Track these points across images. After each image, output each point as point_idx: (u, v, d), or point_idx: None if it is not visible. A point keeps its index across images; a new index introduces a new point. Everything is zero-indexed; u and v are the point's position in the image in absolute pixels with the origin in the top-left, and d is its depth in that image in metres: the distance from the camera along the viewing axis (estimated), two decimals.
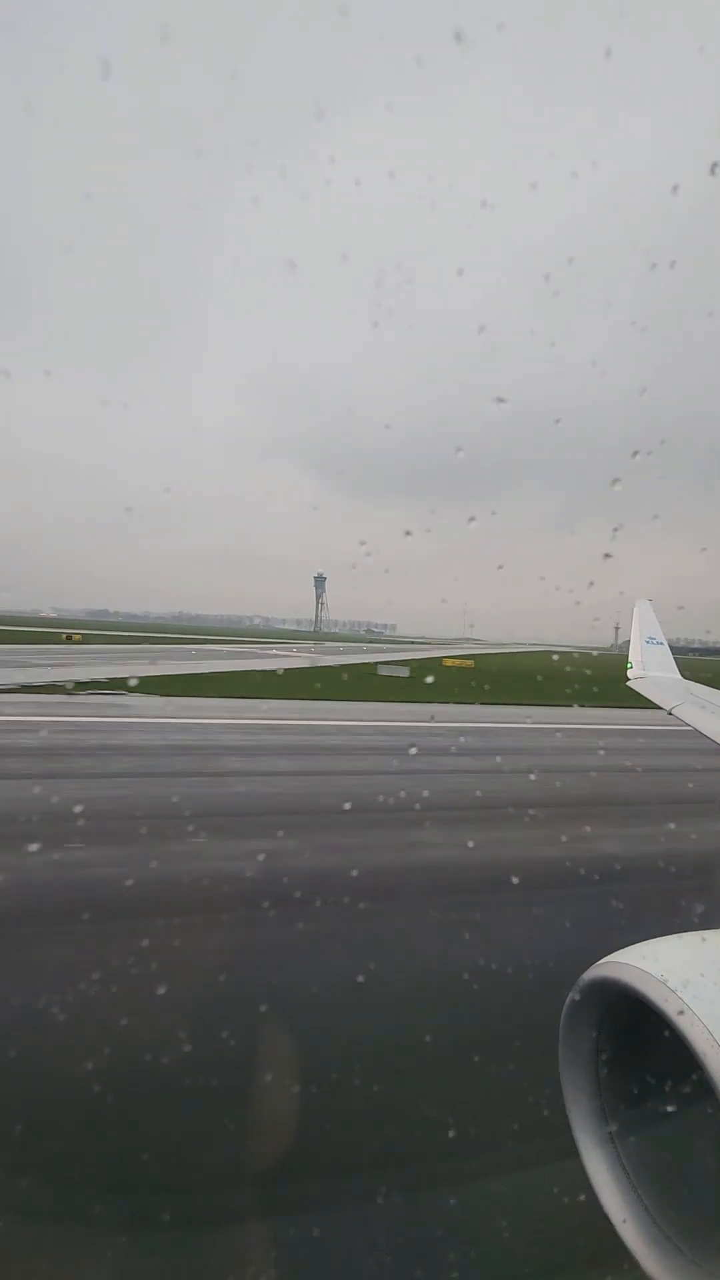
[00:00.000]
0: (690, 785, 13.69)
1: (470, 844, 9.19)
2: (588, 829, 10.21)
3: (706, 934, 1.84)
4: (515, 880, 7.74)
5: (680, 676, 6.67)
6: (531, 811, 10.75)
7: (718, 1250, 1.51)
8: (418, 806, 11.08)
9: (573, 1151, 1.74)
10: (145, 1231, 3.30)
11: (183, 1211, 3.35)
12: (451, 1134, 3.87)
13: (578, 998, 1.75)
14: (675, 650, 7.05)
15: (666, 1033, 1.48)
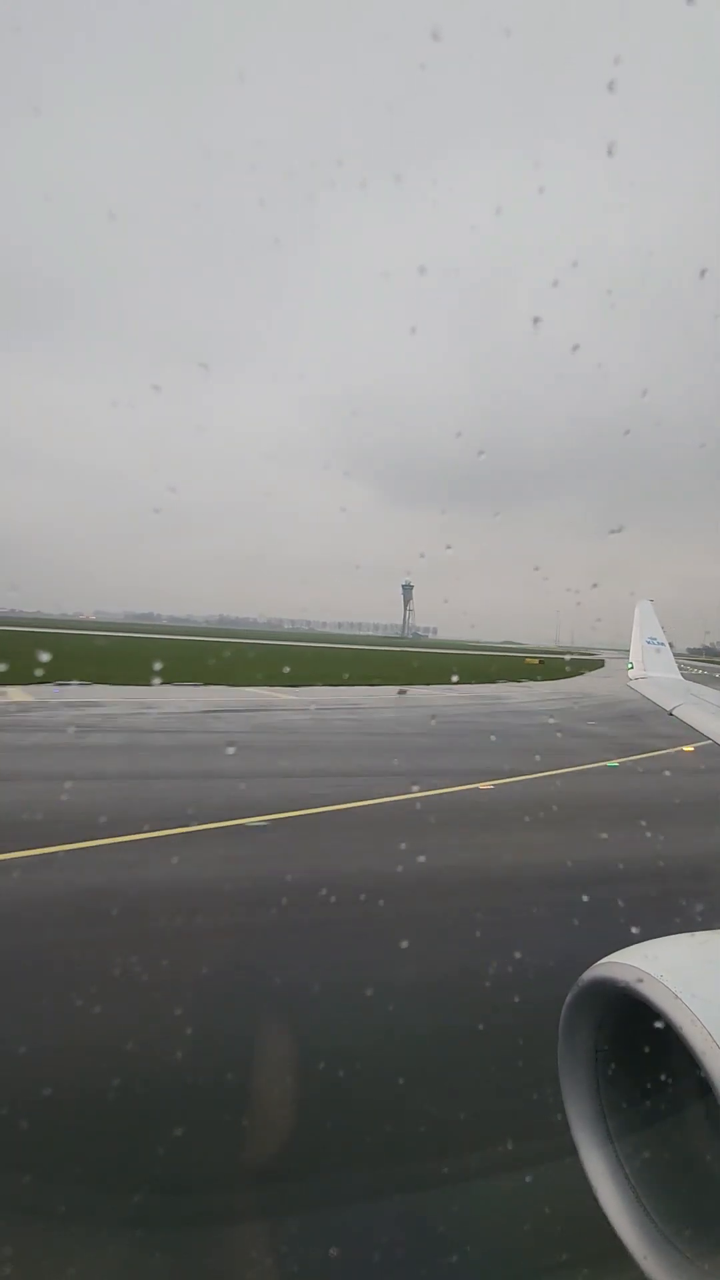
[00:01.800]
0: None
1: None
2: None
3: (707, 934, 1.84)
4: None
5: (681, 677, 6.67)
6: None
7: (716, 1250, 1.51)
8: None
9: (571, 1150, 1.75)
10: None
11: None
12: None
13: (577, 997, 1.75)
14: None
15: (666, 1033, 1.48)
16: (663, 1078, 1.67)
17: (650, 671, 6.78)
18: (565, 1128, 1.76)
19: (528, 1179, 3.52)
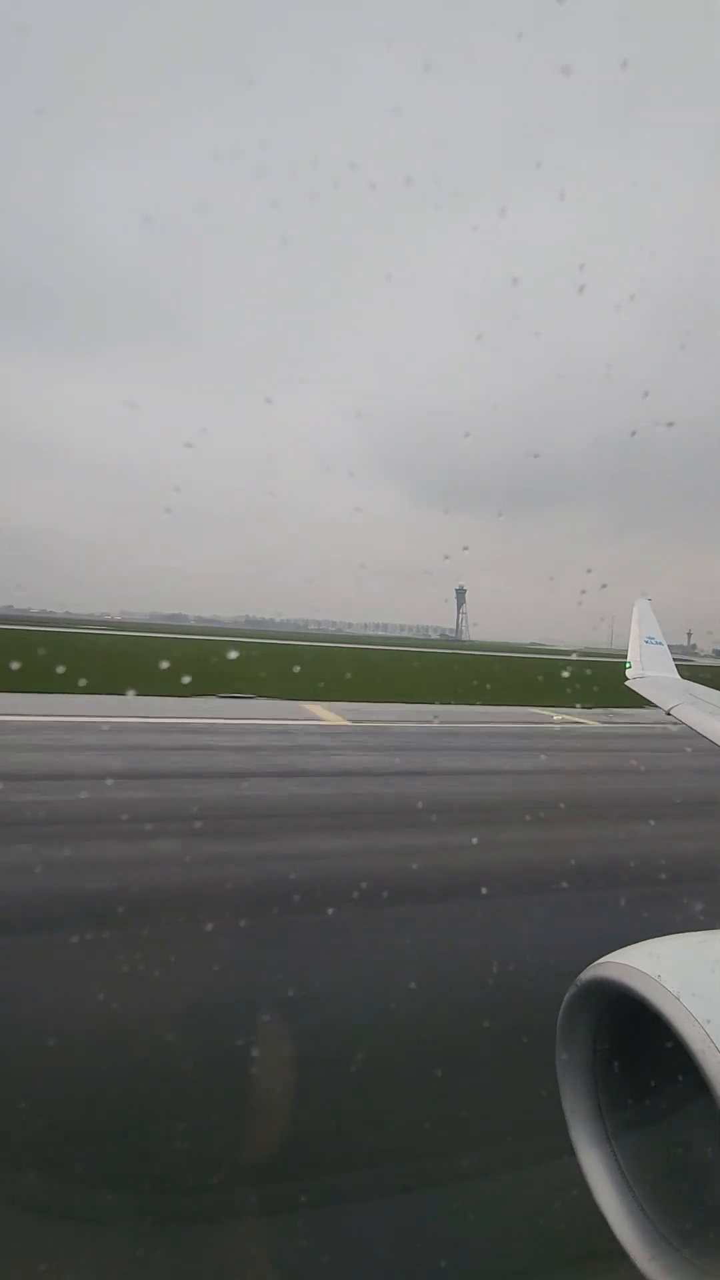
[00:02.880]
0: None
1: None
2: None
3: (705, 934, 1.84)
4: None
5: (679, 676, 6.68)
6: None
7: (713, 1249, 1.51)
8: None
9: (569, 1150, 1.75)
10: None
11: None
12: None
13: (575, 997, 1.75)
14: None
15: (664, 1033, 1.48)
16: (661, 1077, 1.67)
17: (648, 671, 6.79)
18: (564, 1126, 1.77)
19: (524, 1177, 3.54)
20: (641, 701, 5.96)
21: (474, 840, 9.18)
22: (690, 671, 7.03)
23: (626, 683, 6.76)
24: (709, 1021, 1.44)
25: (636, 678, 6.70)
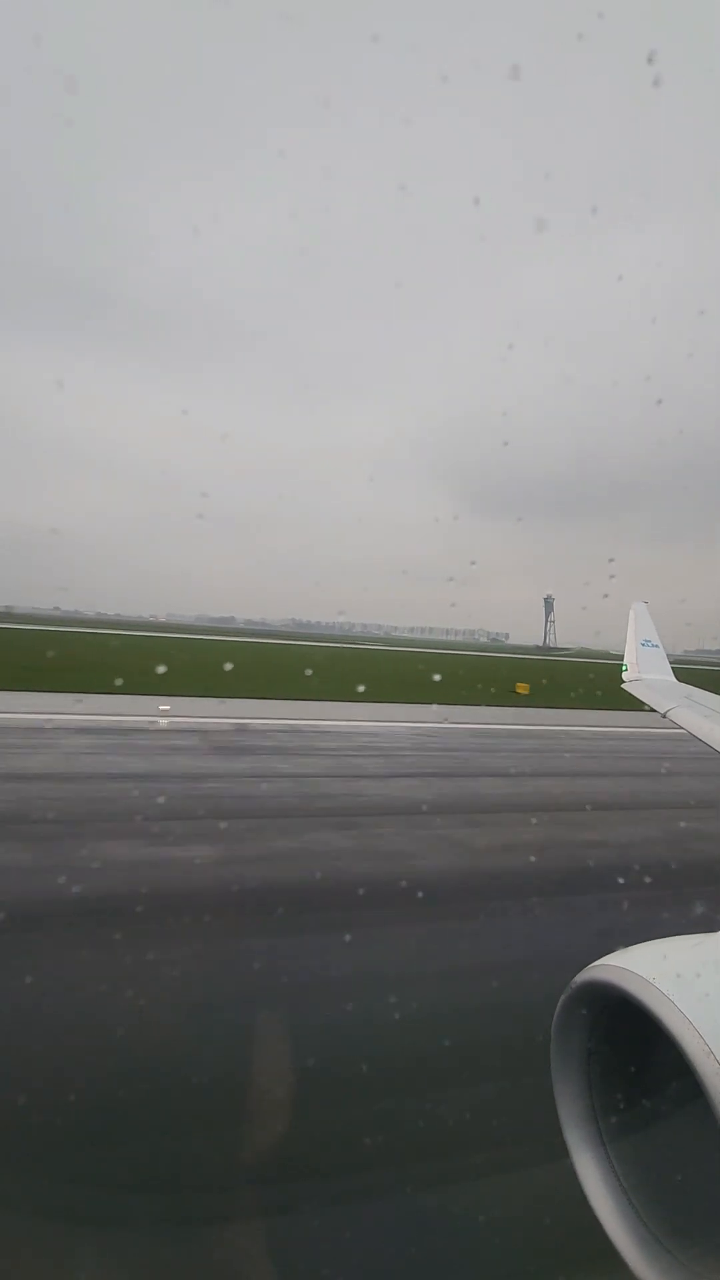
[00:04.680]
0: None
1: None
2: None
3: (698, 937, 1.84)
4: None
5: (675, 679, 6.67)
6: None
7: (707, 1252, 1.51)
8: None
9: (564, 1153, 1.75)
10: None
11: None
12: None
13: (570, 1000, 1.75)
14: None
15: (658, 1035, 1.48)
16: (655, 1080, 1.67)
17: (645, 674, 6.78)
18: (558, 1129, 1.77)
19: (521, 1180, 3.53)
20: None
21: None
22: None
23: (622, 685, 6.76)
24: (704, 1025, 1.44)
25: (633, 680, 6.70)
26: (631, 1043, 1.67)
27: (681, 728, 4.93)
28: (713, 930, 1.90)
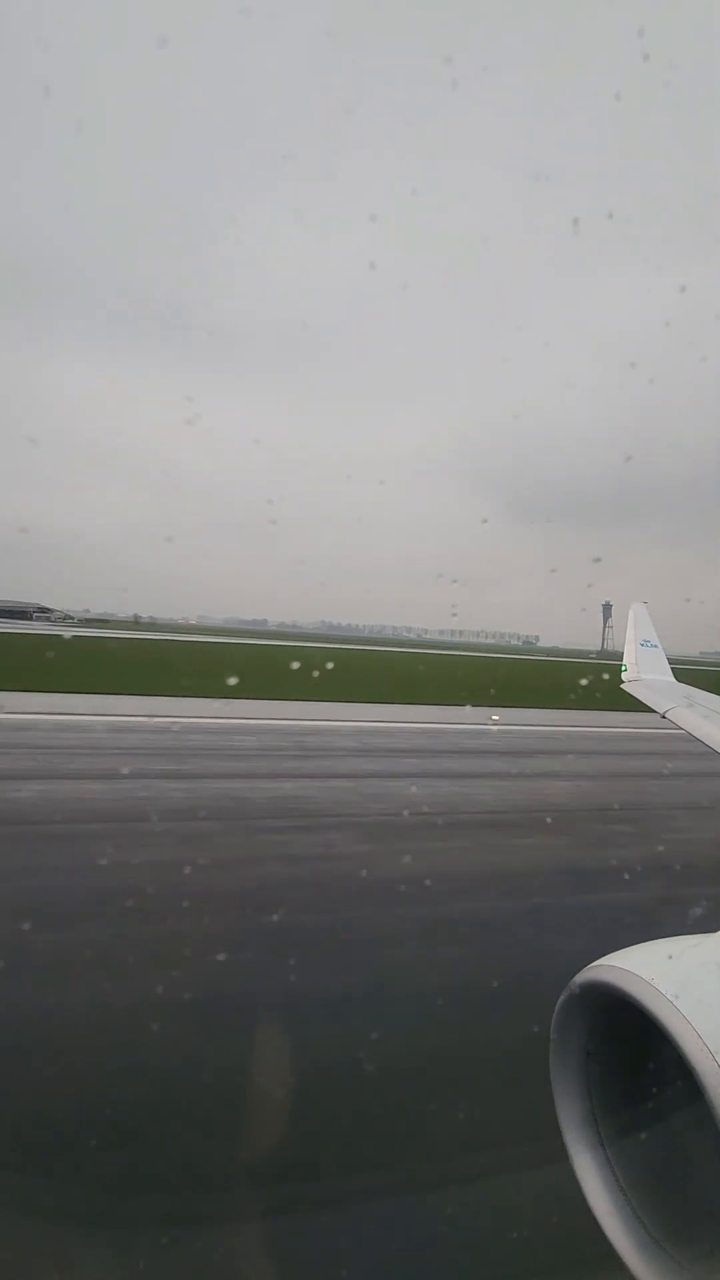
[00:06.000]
0: None
1: None
2: None
3: (697, 938, 1.84)
4: None
5: (674, 680, 6.68)
6: None
7: (705, 1253, 1.51)
8: None
9: (563, 1154, 1.74)
10: None
11: None
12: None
13: (569, 1000, 1.75)
14: None
15: (657, 1036, 1.48)
16: (654, 1081, 1.67)
17: (644, 674, 6.79)
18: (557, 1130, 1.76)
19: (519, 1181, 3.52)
20: None
21: None
22: None
23: (622, 686, 6.76)
24: (703, 1026, 1.44)
25: (632, 681, 6.70)
26: (631, 1044, 1.67)
27: (681, 728, 4.93)
28: (712, 931, 1.90)
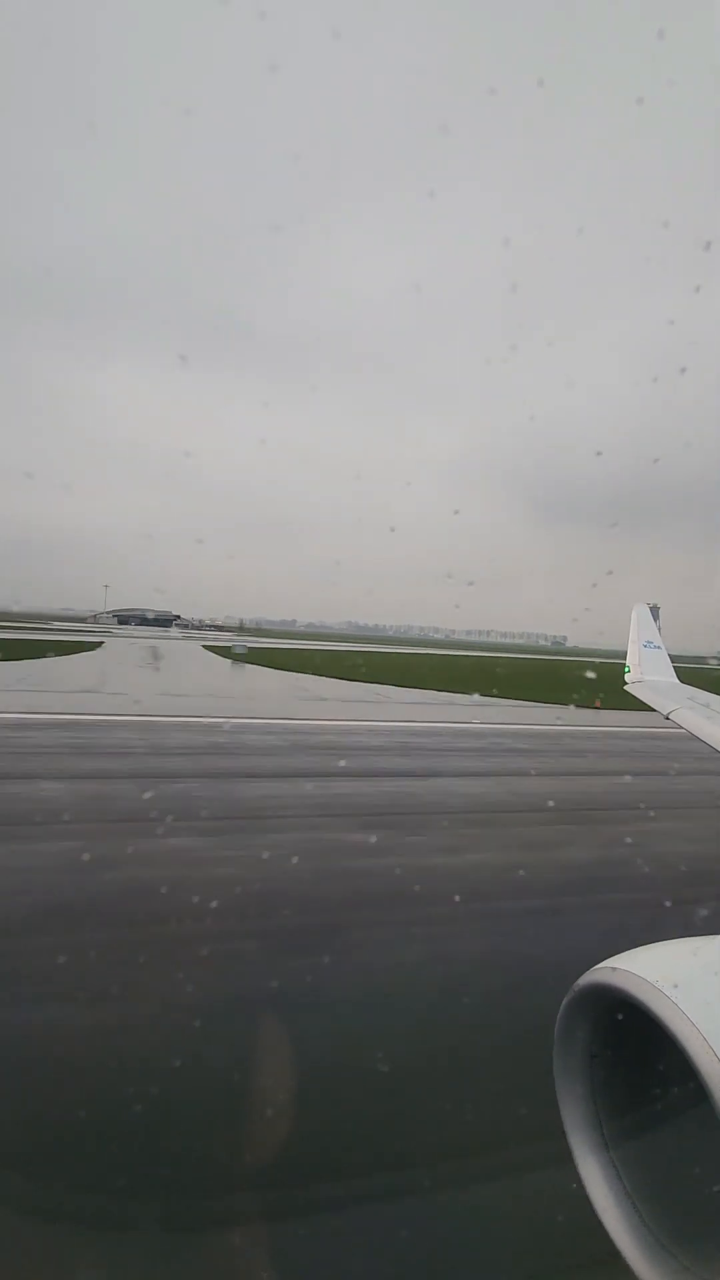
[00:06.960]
0: None
1: None
2: None
3: (703, 940, 1.84)
4: None
5: (678, 681, 6.66)
6: None
7: (711, 1256, 1.51)
8: None
9: (567, 1156, 1.74)
10: None
11: None
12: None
13: (573, 1003, 1.75)
14: None
15: (662, 1039, 1.47)
16: (658, 1083, 1.67)
17: (648, 675, 6.77)
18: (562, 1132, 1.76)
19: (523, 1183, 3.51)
20: None
21: None
22: None
23: (625, 687, 6.75)
24: (708, 1028, 1.44)
25: (635, 682, 6.69)
26: (635, 1046, 1.66)
27: (684, 729, 4.92)
28: (717, 932, 1.89)
